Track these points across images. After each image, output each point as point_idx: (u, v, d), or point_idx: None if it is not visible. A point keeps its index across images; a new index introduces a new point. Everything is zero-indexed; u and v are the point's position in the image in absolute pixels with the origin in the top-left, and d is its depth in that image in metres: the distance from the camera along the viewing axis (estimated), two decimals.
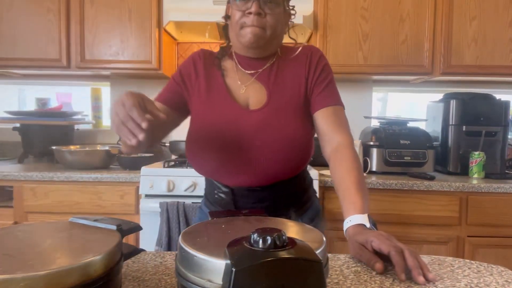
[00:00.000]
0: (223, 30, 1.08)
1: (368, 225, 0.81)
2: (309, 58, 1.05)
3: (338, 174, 0.94)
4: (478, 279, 0.67)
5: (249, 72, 1.05)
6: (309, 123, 1.03)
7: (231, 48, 1.08)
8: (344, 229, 0.83)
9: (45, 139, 2.24)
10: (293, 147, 0.97)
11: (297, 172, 1.04)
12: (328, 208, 1.89)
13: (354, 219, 0.82)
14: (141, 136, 0.70)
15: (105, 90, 2.64)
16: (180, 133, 2.42)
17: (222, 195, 1.03)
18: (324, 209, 1.89)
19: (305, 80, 1.03)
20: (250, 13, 0.94)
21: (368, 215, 0.83)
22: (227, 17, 1.04)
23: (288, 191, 1.04)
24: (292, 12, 1.05)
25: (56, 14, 2.17)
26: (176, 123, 1.10)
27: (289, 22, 1.06)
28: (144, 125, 0.70)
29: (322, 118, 1.01)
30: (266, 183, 0.99)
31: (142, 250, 0.77)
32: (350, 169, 0.92)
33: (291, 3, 1.05)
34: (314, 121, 1.03)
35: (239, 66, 1.06)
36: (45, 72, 2.37)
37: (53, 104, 2.63)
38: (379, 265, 0.69)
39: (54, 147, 2.08)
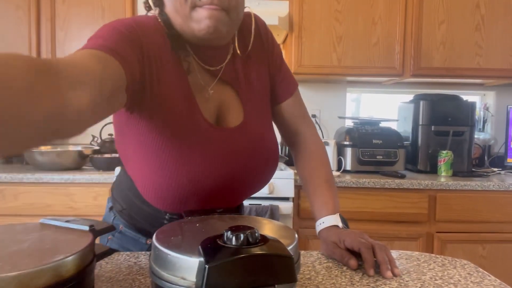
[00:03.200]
0: (156, 4, 0.72)
1: (340, 225, 0.81)
2: (262, 33, 0.84)
3: (306, 169, 0.89)
4: (443, 272, 0.71)
5: (210, 68, 0.76)
6: (276, 118, 0.92)
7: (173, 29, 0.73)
8: (317, 230, 0.83)
9: None
10: (273, 161, 0.83)
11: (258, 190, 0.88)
12: (303, 207, 1.92)
13: (327, 221, 0.81)
14: None
15: None
16: None
17: (167, 222, 0.79)
18: (300, 208, 1.92)
19: (268, 67, 0.86)
20: None
21: (339, 214, 0.84)
22: None
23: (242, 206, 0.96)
24: None
25: (26, 11, 2.11)
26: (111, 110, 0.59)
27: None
28: None
29: (286, 110, 0.89)
30: (237, 204, 0.85)
31: (116, 250, 0.77)
32: (318, 165, 0.88)
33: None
34: (276, 112, 0.90)
35: (196, 59, 0.75)
36: None
37: None
38: (352, 262, 0.71)
39: None
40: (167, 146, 0.70)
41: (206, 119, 0.74)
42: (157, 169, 0.71)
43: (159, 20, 0.73)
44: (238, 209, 0.91)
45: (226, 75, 0.78)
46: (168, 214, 0.79)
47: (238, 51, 0.79)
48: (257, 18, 0.84)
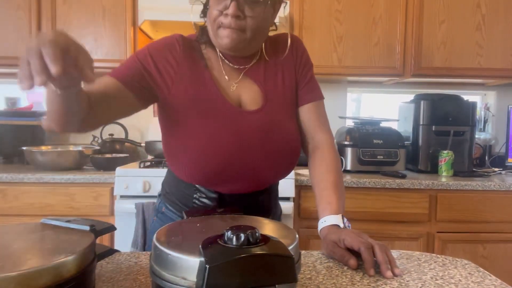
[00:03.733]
0: (203, 11, 0.93)
1: (341, 225, 0.82)
2: (295, 49, 0.99)
3: (317, 173, 0.94)
4: (443, 272, 0.71)
5: (236, 66, 0.94)
6: (297, 121, 0.99)
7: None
8: (319, 229, 0.85)
9: (15, 139, 2.18)
10: (291, 150, 0.94)
11: (289, 173, 1.00)
12: (304, 207, 1.92)
13: (329, 220, 0.83)
14: (38, 79, 0.52)
15: None
16: (156, 132, 2.39)
17: (206, 201, 0.92)
18: (300, 208, 1.92)
19: (295, 74, 0.98)
20: (227, 14, 0.83)
21: (342, 215, 0.85)
22: (205, 11, 0.91)
23: (273, 193, 1.02)
24: None
25: (27, 11, 2.11)
26: (130, 110, 0.89)
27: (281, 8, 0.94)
28: (54, 69, 0.51)
29: (306, 113, 0.98)
30: (261, 188, 0.95)
31: (117, 250, 0.77)
32: (329, 169, 0.92)
33: None
34: (297, 113, 0.99)
35: (224, 59, 0.93)
36: (15, 70, 2.30)
37: (23, 103, 2.55)
38: (352, 262, 0.71)
39: (24, 148, 2.02)
40: (194, 125, 0.88)
41: (228, 101, 0.89)
42: (189, 147, 0.88)
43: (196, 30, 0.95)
44: (266, 192, 0.97)
45: (250, 72, 0.94)
46: (198, 194, 0.92)
47: (266, 57, 0.96)
48: (293, 37, 0.99)
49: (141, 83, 0.87)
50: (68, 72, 0.54)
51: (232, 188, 0.91)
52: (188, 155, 0.88)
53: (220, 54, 0.93)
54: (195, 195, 0.93)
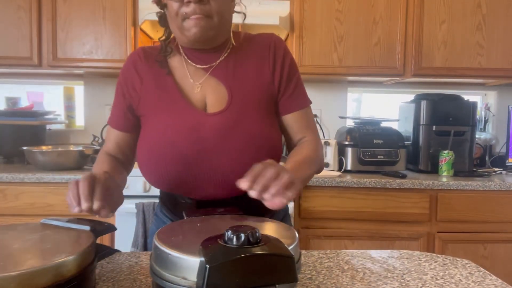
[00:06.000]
0: (160, 20, 0.92)
1: None
2: (273, 50, 0.91)
3: (292, 153, 0.90)
4: (444, 272, 0.71)
5: (201, 66, 0.90)
6: (275, 122, 0.93)
7: (175, 41, 0.92)
8: None
9: (15, 139, 2.18)
10: (261, 150, 0.86)
11: None
12: (304, 207, 1.92)
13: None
14: (82, 207, 0.62)
15: (79, 90, 2.58)
16: None
17: (188, 203, 0.90)
18: (301, 208, 1.92)
19: (271, 75, 0.91)
20: (189, 1, 0.79)
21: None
22: (162, 5, 0.87)
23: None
24: None
25: (27, 11, 2.11)
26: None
27: None
28: (85, 206, 0.62)
29: (291, 122, 0.94)
30: (235, 193, 0.84)
31: (117, 250, 0.77)
32: (304, 149, 0.90)
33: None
34: (281, 123, 0.94)
35: (189, 61, 0.91)
36: (15, 70, 2.30)
37: (24, 103, 2.55)
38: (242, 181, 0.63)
39: (24, 148, 2.02)
40: (156, 133, 0.87)
41: (189, 105, 0.87)
42: (151, 153, 0.87)
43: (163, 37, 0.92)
44: (242, 200, 0.82)
45: (217, 71, 0.90)
46: (178, 198, 0.91)
47: (233, 42, 0.91)
48: (275, 38, 0.94)
49: (133, 116, 0.94)
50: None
51: (205, 194, 0.87)
52: (151, 163, 0.87)
53: (184, 56, 0.91)
54: (178, 200, 0.92)
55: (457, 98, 2.22)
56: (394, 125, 2.38)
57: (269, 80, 0.90)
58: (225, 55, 0.91)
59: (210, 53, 0.90)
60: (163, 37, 0.92)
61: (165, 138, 0.85)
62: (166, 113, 0.87)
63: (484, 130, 2.60)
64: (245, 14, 0.95)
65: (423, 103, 2.17)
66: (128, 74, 0.93)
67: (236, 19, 0.94)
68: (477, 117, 2.45)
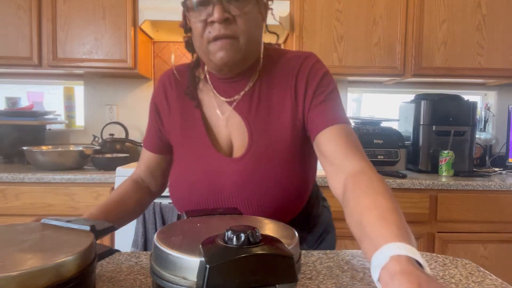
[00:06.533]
0: (187, 46, 0.85)
1: (422, 261, 0.47)
2: (295, 76, 0.80)
3: (368, 197, 0.60)
4: (444, 272, 0.71)
5: (225, 99, 0.83)
6: (306, 161, 0.82)
7: (204, 66, 0.86)
8: (376, 265, 0.49)
9: (15, 139, 2.18)
10: (285, 197, 0.79)
11: (295, 215, 0.86)
12: None
13: (400, 248, 0.47)
14: None
15: (79, 89, 2.58)
16: None
17: None
18: None
19: (294, 108, 0.80)
20: (213, 21, 0.72)
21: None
22: (187, 29, 0.81)
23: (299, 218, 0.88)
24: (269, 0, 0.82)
25: (27, 11, 2.11)
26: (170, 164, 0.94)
27: (268, 13, 0.83)
28: None
29: (324, 142, 0.75)
30: None
31: (117, 250, 0.77)
32: (384, 194, 0.60)
33: None
34: (316, 148, 0.78)
35: (215, 91, 0.85)
36: (15, 70, 2.30)
37: (24, 103, 2.55)
38: None
39: (25, 148, 2.02)
40: (179, 170, 0.86)
41: (211, 148, 0.82)
42: (173, 190, 0.88)
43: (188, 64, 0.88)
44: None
45: (240, 106, 0.82)
46: None
47: (261, 66, 0.82)
48: (308, 61, 0.82)
49: (163, 141, 0.93)
50: None
51: None
52: (174, 198, 0.88)
53: (211, 84, 0.85)
54: None
55: (457, 98, 2.22)
56: (394, 125, 2.38)
57: (292, 114, 0.80)
58: (251, 84, 0.82)
59: (237, 82, 0.82)
60: (192, 65, 0.86)
61: (184, 179, 0.84)
62: (188, 152, 0.85)
63: (484, 130, 2.60)
64: (277, 35, 0.87)
65: (423, 103, 2.17)
66: (158, 99, 0.91)
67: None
68: (477, 117, 2.45)
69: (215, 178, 0.80)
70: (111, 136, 2.36)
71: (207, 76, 0.86)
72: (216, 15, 0.71)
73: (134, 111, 2.52)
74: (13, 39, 2.12)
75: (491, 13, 2.20)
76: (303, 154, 0.82)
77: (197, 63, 0.87)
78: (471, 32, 2.21)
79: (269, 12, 0.84)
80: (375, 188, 0.61)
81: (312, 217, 0.95)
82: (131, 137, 2.46)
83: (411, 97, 2.38)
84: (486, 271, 0.71)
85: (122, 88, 2.48)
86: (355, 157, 0.70)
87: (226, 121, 0.83)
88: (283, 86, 0.81)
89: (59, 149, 2.08)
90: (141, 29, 2.23)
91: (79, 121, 2.60)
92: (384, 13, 2.19)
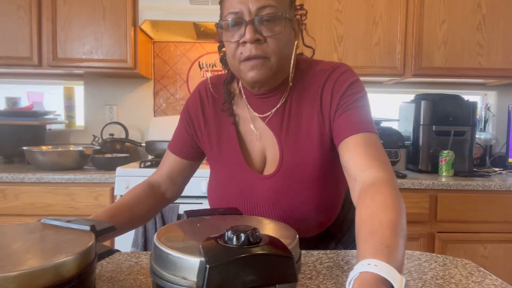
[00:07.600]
0: (222, 61, 0.87)
1: (396, 280, 0.46)
2: (321, 89, 0.81)
3: (367, 210, 0.60)
4: (444, 272, 0.71)
5: (259, 115, 0.86)
6: (337, 175, 0.83)
7: (239, 81, 0.88)
8: (349, 280, 0.48)
9: (15, 139, 2.18)
10: (317, 212, 0.82)
11: (326, 227, 0.89)
12: None
13: (369, 265, 0.47)
14: None
15: (79, 89, 2.58)
16: (156, 133, 2.39)
17: None
18: None
19: (321, 122, 0.81)
20: (245, 42, 0.75)
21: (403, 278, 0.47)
22: (221, 46, 0.84)
23: (320, 238, 0.91)
24: (302, 13, 0.83)
25: (27, 11, 2.11)
26: (193, 172, 1.00)
27: (301, 27, 0.84)
28: None
29: (343, 153, 0.75)
30: None
31: (117, 250, 0.77)
32: (385, 206, 0.59)
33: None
34: (340, 156, 0.78)
35: (249, 106, 0.87)
36: (15, 70, 2.30)
37: (24, 103, 2.55)
38: None
39: (24, 148, 2.02)
40: (215, 183, 0.91)
41: (245, 165, 0.85)
42: (211, 202, 0.92)
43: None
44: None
45: (272, 122, 0.85)
46: None
47: (290, 83, 0.83)
48: (336, 71, 0.82)
49: (196, 147, 0.94)
50: None
51: None
52: (217, 202, 0.91)
53: (246, 99, 0.87)
54: None
55: (457, 98, 2.22)
56: (394, 125, 2.38)
57: (319, 131, 0.81)
58: (283, 100, 0.84)
59: (270, 97, 0.84)
60: (226, 80, 0.88)
61: (220, 197, 0.88)
62: (223, 168, 0.88)
63: (484, 130, 2.60)
64: (313, 49, 0.89)
65: (423, 103, 2.17)
66: (193, 110, 0.92)
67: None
68: (477, 117, 2.45)
69: (249, 196, 0.84)
70: (111, 136, 2.36)
71: (242, 91, 0.88)
72: (247, 36, 0.74)
73: (134, 111, 2.52)
74: (13, 39, 2.12)
75: (491, 13, 2.20)
76: (334, 167, 0.83)
77: (231, 78, 0.89)
78: (471, 32, 2.21)
79: (303, 23, 0.85)
80: (378, 201, 0.61)
81: (348, 220, 0.96)
82: (131, 137, 2.46)
83: (411, 97, 2.38)
84: (486, 271, 0.71)
85: (122, 88, 2.48)
86: (371, 170, 0.69)
87: (260, 136, 0.86)
88: (310, 102, 0.83)
89: (59, 149, 2.08)
90: (141, 29, 2.23)
91: (79, 121, 2.60)
92: (384, 13, 2.19)
